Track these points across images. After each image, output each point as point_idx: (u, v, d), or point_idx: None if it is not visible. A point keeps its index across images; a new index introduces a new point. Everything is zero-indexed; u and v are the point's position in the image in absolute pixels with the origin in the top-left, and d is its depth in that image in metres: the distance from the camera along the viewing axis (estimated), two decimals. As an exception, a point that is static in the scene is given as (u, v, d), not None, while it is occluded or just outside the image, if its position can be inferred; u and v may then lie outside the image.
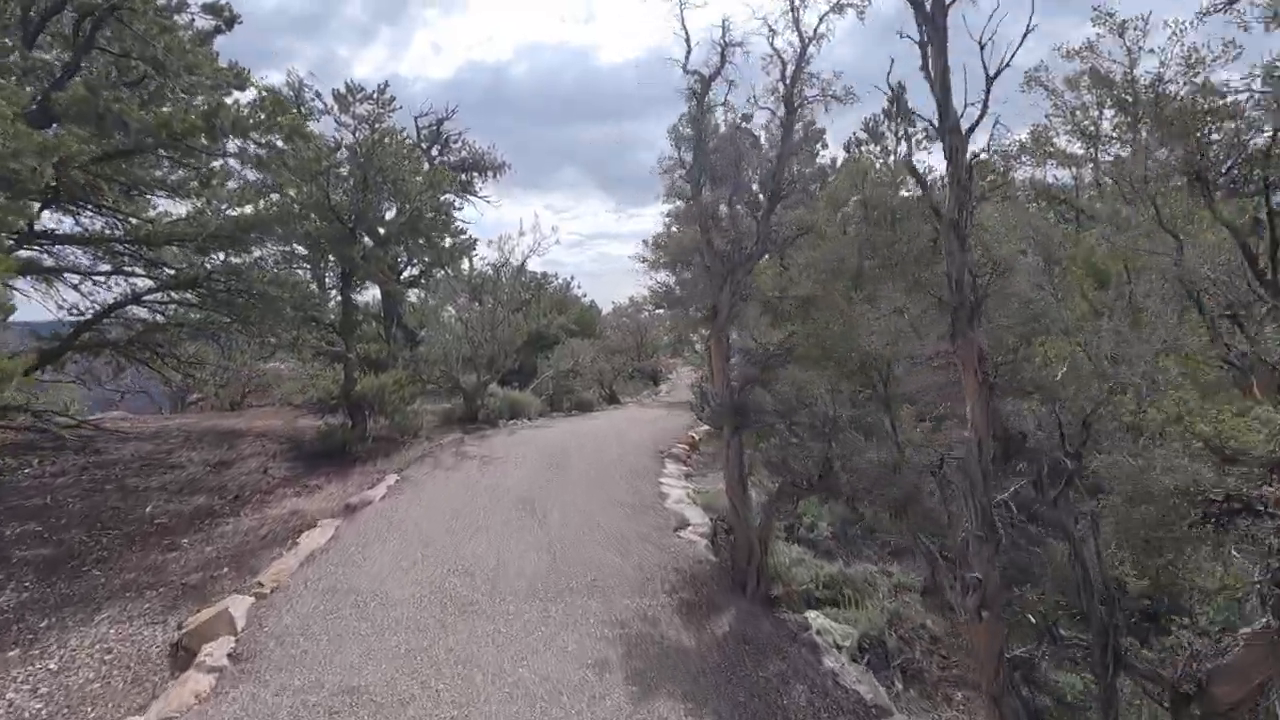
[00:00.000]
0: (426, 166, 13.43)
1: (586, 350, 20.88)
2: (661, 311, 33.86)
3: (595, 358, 20.88)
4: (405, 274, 22.39)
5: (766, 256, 5.28)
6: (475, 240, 16.00)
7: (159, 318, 10.25)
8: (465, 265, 21.74)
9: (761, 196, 4.34)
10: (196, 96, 7.63)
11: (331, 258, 11.05)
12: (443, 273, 20.51)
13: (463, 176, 22.30)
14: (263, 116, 7.74)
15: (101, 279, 10.33)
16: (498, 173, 22.76)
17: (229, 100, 7.47)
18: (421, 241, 11.31)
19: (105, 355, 10.35)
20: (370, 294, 21.44)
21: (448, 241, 11.82)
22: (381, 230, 11.24)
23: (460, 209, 22.57)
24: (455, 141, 21.86)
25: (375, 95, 10.48)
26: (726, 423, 5.04)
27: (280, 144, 8.28)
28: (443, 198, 10.77)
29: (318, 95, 10.97)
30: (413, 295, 21.28)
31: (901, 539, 6.65)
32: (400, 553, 6.02)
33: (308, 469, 10.08)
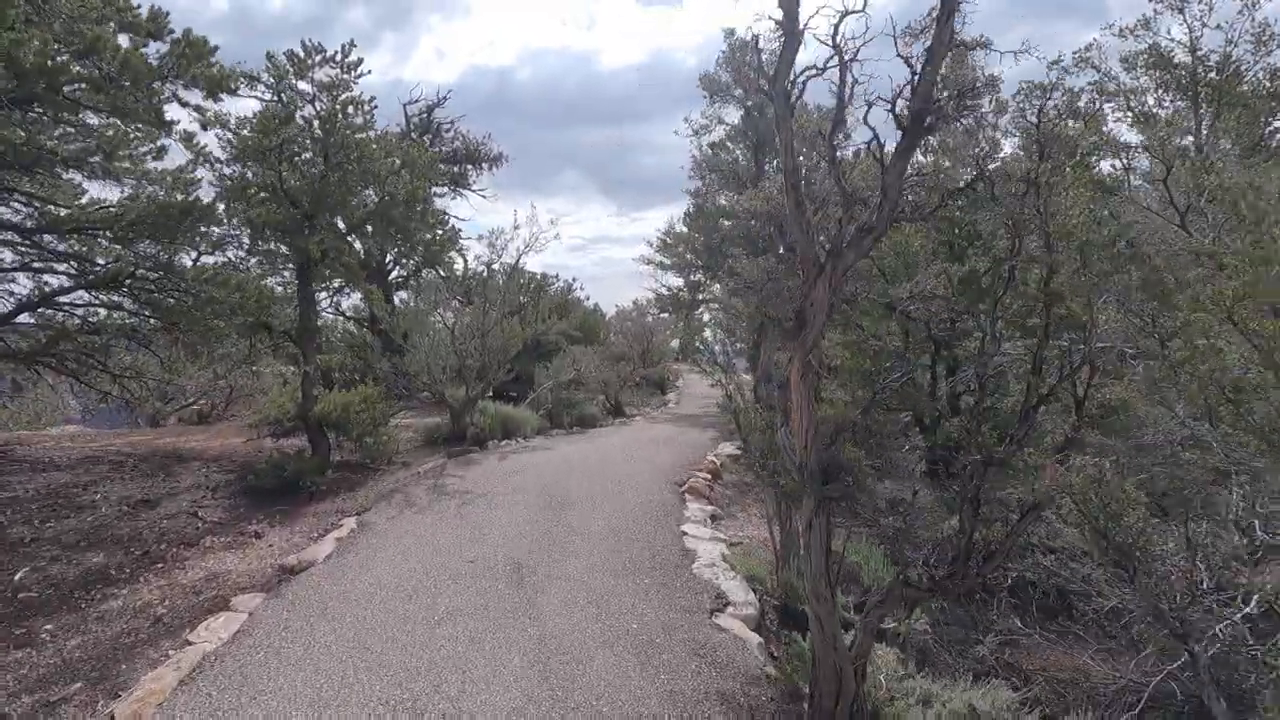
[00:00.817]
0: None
1: (590, 358, 19.09)
2: (666, 315, 32.22)
3: (599, 366, 19.09)
4: (393, 275, 20.78)
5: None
6: (459, 231, 14.19)
7: (71, 322, 8.49)
8: (459, 265, 20.06)
9: (892, 122, 2.58)
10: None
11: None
12: (431, 273, 18.83)
13: (455, 169, 20.60)
14: (175, 63, 5.99)
15: (6, 275, 8.61)
16: (494, 165, 21.04)
17: (121, 40, 5.70)
18: (395, 233, 9.53)
19: (3, 367, 8.57)
20: (358, 297, 19.84)
21: (427, 234, 10.00)
22: (350, 219, 9.45)
23: (452, 198, 20.82)
24: (448, 130, 20.17)
25: (338, 57, 8.71)
26: (810, 493, 3.24)
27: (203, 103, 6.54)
28: (419, 181, 8.98)
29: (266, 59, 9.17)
30: (400, 299, 19.60)
31: (1033, 634, 4.83)
32: (323, 665, 4.22)
33: (251, 508, 8.30)
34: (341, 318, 21.31)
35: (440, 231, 9.87)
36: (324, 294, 18.79)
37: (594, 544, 6.57)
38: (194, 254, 9.40)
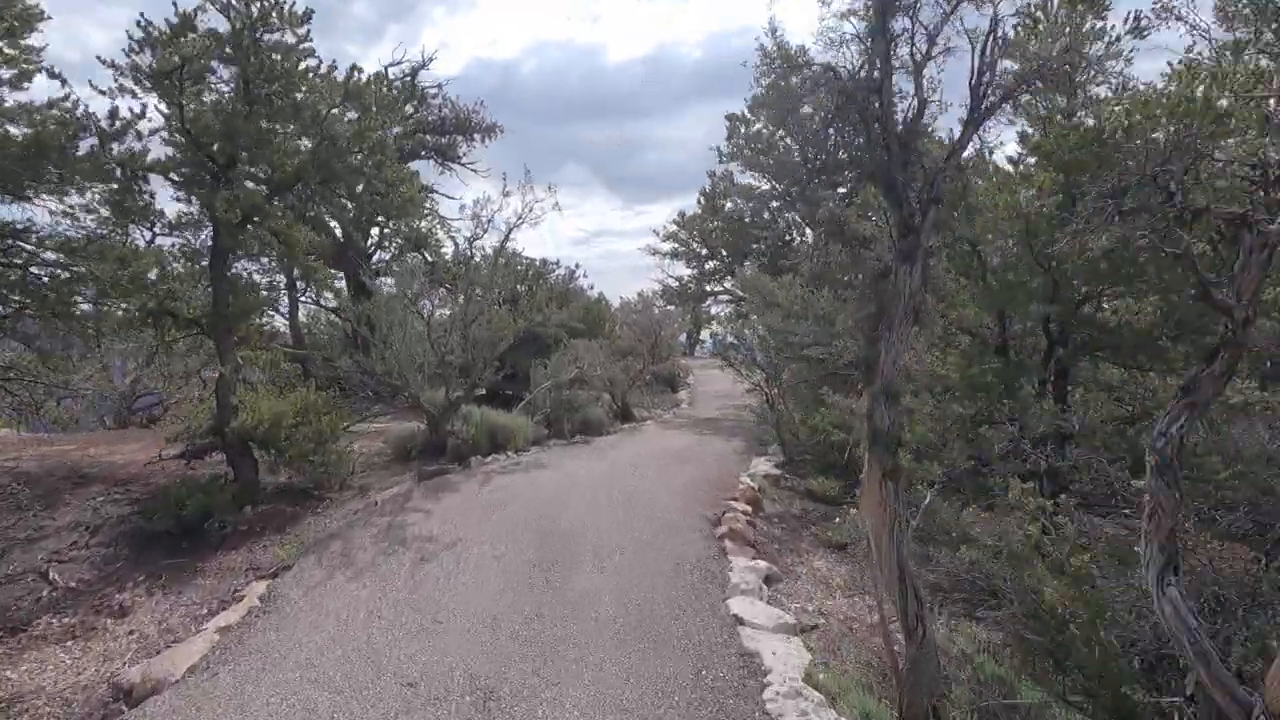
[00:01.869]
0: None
1: (594, 353, 16.81)
2: (673, 308, 30.08)
3: (604, 362, 16.82)
4: (375, 258, 18.51)
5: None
6: (425, 192, 11.92)
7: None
8: (448, 248, 17.82)
9: None
10: None
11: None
12: (417, 256, 16.63)
13: (443, 139, 18.30)
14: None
15: None
16: (488, 136, 18.71)
17: None
18: (336, 189, 7.26)
19: None
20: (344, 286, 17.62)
21: (380, 191, 7.72)
22: (279, 169, 7.16)
23: (440, 172, 18.53)
24: (434, 96, 17.83)
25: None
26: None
27: None
28: (370, 121, 6.71)
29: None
30: (382, 284, 17.36)
31: None
32: None
33: (134, 561, 6.09)
34: (322, 309, 19.17)
35: (403, 189, 7.57)
36: (301, 280, 16.63)
37: (605, 642, 4.34)
38: (149, 233, 7.29)
